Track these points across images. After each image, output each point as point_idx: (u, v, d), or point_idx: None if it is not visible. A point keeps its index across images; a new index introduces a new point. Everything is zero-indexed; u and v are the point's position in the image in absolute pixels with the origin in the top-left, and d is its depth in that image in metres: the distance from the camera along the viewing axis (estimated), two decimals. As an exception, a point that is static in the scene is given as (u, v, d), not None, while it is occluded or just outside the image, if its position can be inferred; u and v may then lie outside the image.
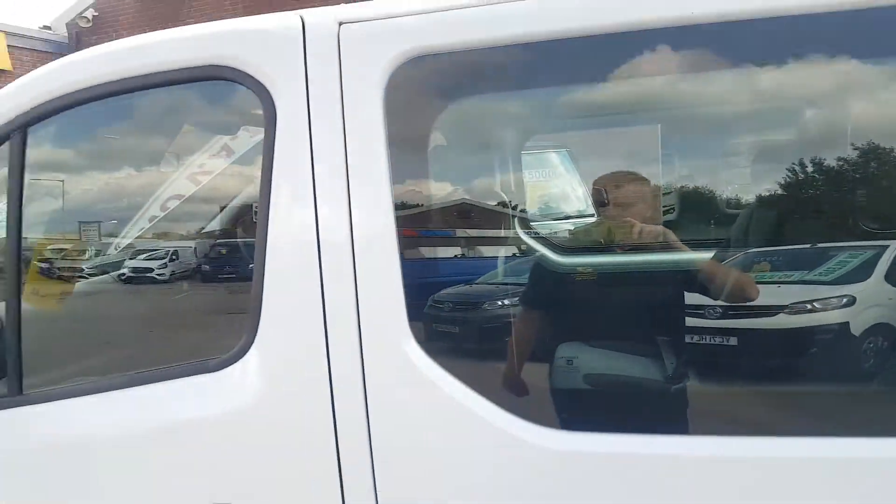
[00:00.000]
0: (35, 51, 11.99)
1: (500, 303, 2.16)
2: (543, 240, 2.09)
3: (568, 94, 1.88)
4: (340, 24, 1.58)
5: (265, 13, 1.69)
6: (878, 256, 2.12)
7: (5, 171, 1.74)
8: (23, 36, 11.84)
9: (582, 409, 1.85)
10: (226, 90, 1.75)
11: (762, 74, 1.75)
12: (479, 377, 1.64)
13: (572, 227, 2.48)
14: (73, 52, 8.69)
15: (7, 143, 1.74)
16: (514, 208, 2.15)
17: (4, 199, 1.69)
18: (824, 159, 1.97)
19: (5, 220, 1.74)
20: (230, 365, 1.64)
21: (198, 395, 1.66)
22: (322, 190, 1.55)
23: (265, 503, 1.68)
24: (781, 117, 2.06)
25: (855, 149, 1.88)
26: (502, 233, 2.19)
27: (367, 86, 1.53)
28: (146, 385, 1.72)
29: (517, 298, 2.13)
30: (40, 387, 1.80)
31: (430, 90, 1.77)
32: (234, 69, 1.61)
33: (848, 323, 2.08)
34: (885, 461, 1.48)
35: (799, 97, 1.99)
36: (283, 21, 1.63)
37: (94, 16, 12.33)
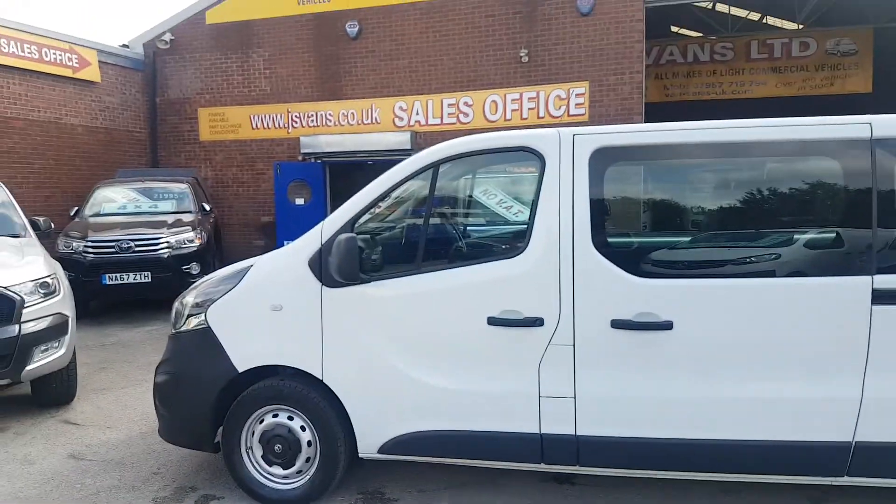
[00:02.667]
0: (117, 66, 13.39)
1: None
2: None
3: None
4: (574, 134, 3.34)
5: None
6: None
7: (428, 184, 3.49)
8: (108, 53, 13.23)
9: None
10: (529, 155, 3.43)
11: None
12: None
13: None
14: (149, 69, 10.07)
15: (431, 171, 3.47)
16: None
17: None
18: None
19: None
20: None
21: None
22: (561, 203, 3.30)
23: None
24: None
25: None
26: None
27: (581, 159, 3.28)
28: None
29: None
30: None
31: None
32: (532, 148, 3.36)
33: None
34: None
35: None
36: (551, 131, 3.41)
37: (171, 39, 13.71)
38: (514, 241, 3.42)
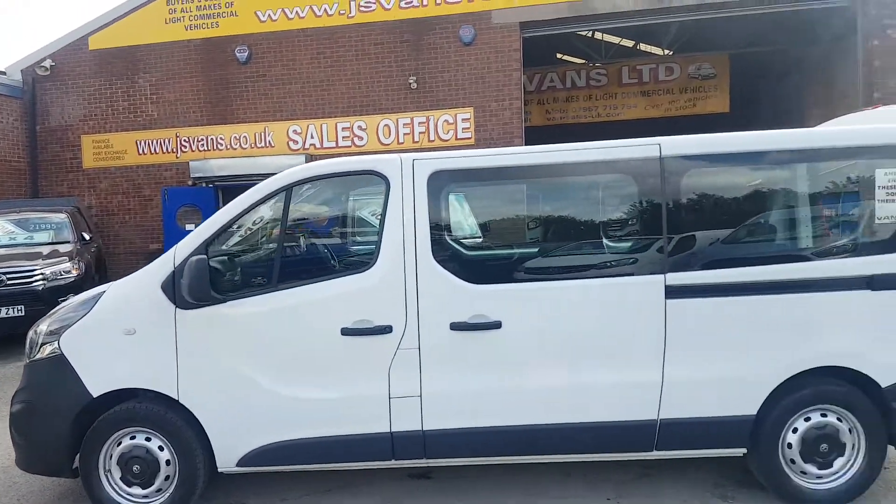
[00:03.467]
0: (-11, 92, 12.81)
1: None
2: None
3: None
4: (413, 159, 3.66)
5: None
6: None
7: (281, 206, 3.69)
8: (-21, 78, 12.63)
9: None
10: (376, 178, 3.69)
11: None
12: None
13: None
14: (28, 96, 9.74)
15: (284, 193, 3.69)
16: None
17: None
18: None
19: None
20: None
21: None
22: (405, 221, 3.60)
23: None
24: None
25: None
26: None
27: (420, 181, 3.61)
28: None
29: None
30: None
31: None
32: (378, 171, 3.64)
33: None
34: None
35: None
36: (394, 156, 3.72)
37: (51, 65, 13.22)
38: (364, 257, 3.69)
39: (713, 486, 3.93)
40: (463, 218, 3.96)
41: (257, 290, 3.66)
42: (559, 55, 17.59)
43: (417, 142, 12.22)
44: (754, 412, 3.57)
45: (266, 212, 3.84)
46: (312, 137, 12.54)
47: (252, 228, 3.95)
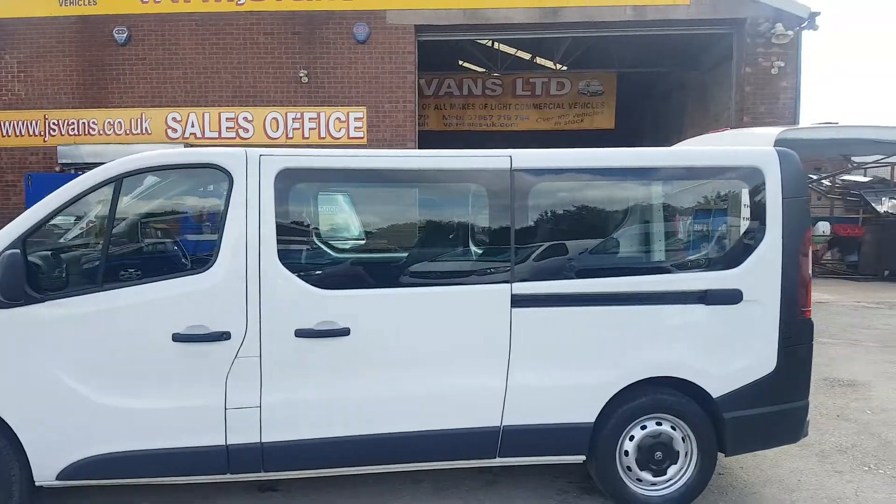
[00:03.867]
0: None
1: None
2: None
3: None
4: (260, 154, 3.47)
5: None
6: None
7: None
8: None
9: None
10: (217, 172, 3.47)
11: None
12: None
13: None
14: None
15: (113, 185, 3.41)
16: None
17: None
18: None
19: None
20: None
21: None
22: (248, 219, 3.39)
23: None
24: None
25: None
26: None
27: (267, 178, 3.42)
28: None
29: None
30: None
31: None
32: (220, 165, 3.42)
33: None
34: None
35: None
36: (239, 150, 3.51)
37: None
38: (201, 257, 3.46)
39: (557, 491, 4.01)
40: (312, 220, 3.80)
41: (79, 290, 3.35)
42: (461, 62, 17.76)
43: (307, 137, 11.92)
44: (592, 420, 3.65)
45: (94, 204, 3.54)
46: (193, 126, 11.94)
47: (80, 221, 3.63)
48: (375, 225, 3.91)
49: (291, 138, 11.92)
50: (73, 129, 12.00)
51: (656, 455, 3.73)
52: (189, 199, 3.81)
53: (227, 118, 11.94)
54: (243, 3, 11.73)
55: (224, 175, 3.43)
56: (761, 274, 3.72)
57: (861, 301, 11.95)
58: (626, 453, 3.73)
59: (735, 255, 3.80)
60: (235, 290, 3.36)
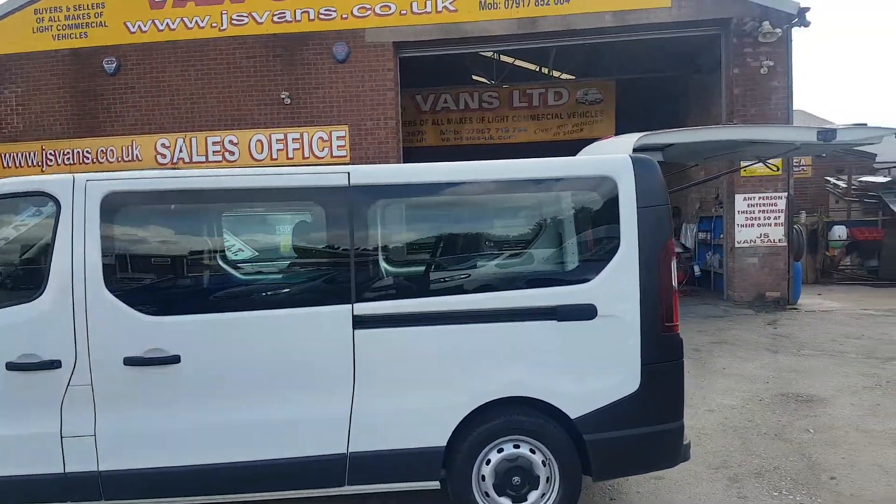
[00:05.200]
0: None
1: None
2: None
3: None
4: (87, 179, 3.46)
5: None
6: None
7: None
8: None
9: None
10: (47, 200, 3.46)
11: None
12: None
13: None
14: None
15: None
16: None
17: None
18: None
19: None
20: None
21: None
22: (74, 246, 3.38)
23: None
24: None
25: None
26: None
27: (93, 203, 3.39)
28: None
29: None
30: None
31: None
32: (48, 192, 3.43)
33: None
34: None
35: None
36: (66, 176, 3.49)
37: None
38: (31, 285, 3.45)
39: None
40: (141, 245, 3.73)
41: None
42: (474, 76, 17.67)
43: (292, 158, 12.02)
44: (444, 443, 3.48)
45: None
46: (181, 151, 12.19)
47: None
48: (208, 247, 3.81)
49: (276, 159, 12.05)
50: (69, 158, 12.40)
51: (514, 480, 3.54)
52: (23, 228, 3.83)
53: (213, 142, 12.16)
54: (226, 29, 11.97)
55: (53, 202, 3.43)
56: (617, 288, 3.51)
57: (868, 308, 11.31)
58: (483, 478, 3.55)
59: (588, 268, 3.60)
60: (63, 317, 3.34)
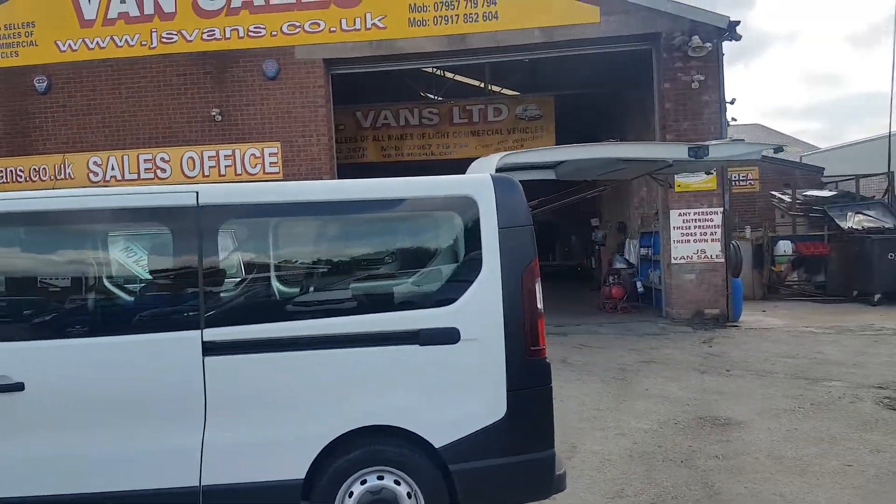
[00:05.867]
0: None
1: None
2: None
3: None
4: None
5: None
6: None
7: None
8: None
9: None
10: None
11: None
12: None
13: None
14: None
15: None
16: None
17: None
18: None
19: None
20: None
21: None
22: None
23: None
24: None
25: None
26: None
27: None
28: None
29: None
30: None
31: None
32: None
33: None
34: None
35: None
36: None
37: None
38: None
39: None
40: None
41: None
42: (422, 93, 17.73)
43: (224, 175, 11.93)
44: (302, 476, 3.28)
45: None
46: (113, 169, 12.09)
47: None
48: (55, 272, 3.62)
49: (208, 176, 11.95)
50: (2, 177, 12.28)
51: None
52: None
53: (144, 159, 12.06)
54: (155, 47, 11.94)
55: None
56: (479, 310, 3.38)
57: (811, 326, 11.18)
58: None
59: (450, 290, 3.46)
60: None
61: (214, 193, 3.44)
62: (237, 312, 3.43)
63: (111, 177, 12.12)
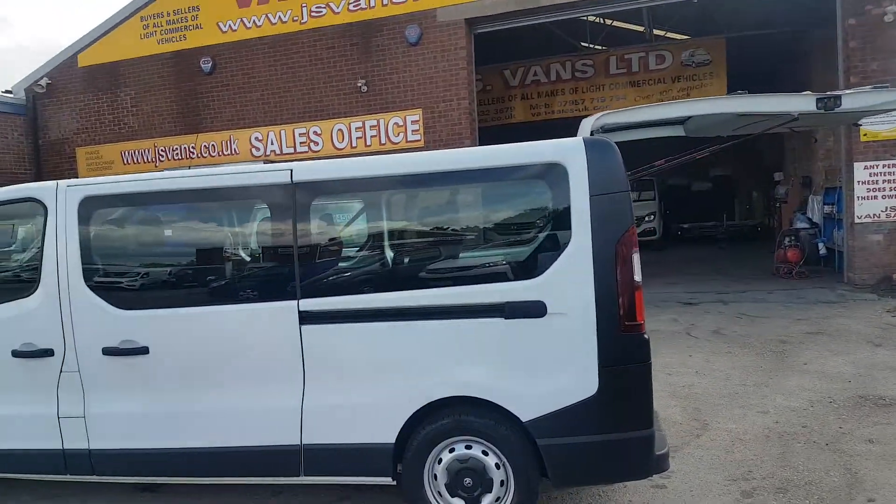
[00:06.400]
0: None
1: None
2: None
3: None
4: (67, 185, 3.75)
5: None
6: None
7: None
8: (-10, 99, 13.75)
9: None
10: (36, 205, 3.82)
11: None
12: None
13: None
14: (31, 112, 10.66)
15: None
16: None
17: None
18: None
19: None
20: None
21: None
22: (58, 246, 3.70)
23: None
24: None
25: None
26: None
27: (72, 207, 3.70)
28: None
29: None
30: None
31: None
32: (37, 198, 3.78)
33: None
34: None
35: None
36: (51, 183, 3.81)
37: (47, 83, 14.16)
38: (29, 282, 3.82)
39: None
40: (115, 242, 3.98)
41: None
42: (583, 43, 16.81)
43: (370, 145, 12.22)
44: (392, 440, 3.42)
45: None
46: (272, 144, 12.80)
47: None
48: (175, 246, 3.96)
49: (355, 147, 12.31)
50: (177, 153, 13.45)
51: (465, 482, 3.39)
52: (21, 230, 4.23)
53: (299, 133, 12.64)
54: (306, 22, 12.33)
55: (41, 207, 3.76)
56: (568, 283, 3.23)
57: None
58: (436, 477, 3.44)
59: (536, 263, 3.35)
60: (53, 311, 3.69)
61: (307, 171, 3.54)
62: (330, 284, 3.56)
63: (271, 151, 12.84)
